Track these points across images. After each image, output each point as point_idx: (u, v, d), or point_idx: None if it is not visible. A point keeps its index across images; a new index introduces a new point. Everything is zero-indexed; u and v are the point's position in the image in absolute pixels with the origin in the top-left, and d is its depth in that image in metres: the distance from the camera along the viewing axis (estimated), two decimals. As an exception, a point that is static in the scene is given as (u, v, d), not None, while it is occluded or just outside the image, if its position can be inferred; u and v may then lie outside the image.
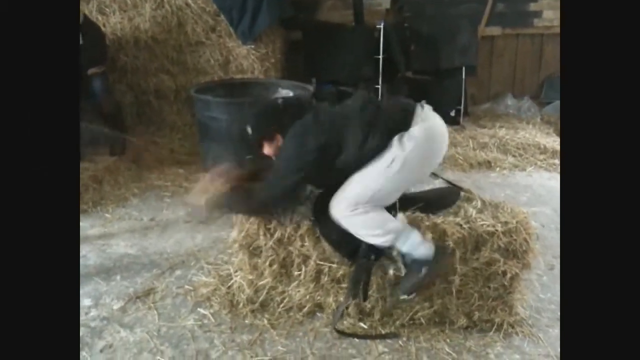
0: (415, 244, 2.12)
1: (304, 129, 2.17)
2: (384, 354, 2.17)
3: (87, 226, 3.33)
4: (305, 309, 2.36)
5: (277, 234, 2.26)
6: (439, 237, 2.18)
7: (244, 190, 2.33)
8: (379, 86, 5.01)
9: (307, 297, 2.34)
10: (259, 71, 4.72)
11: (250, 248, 2.32)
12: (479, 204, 2.35)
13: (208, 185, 2.39)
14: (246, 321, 2.36)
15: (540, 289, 2.62)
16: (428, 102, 2.23)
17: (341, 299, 2.30)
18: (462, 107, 5.35)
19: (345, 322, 2.33)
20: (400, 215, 2.21)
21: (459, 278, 2.24)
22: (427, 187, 2.62)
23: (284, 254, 2.29)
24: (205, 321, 2.37)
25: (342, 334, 2.26)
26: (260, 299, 2.39)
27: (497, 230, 2.18)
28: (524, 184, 4.09)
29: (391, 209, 2.19)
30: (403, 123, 2.11)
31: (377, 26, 4.95)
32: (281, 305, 2.38)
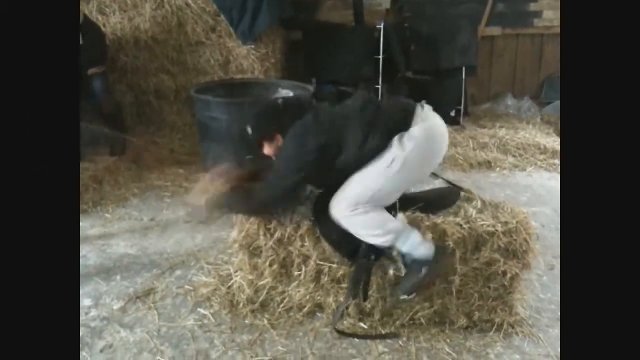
0: (415, 244, 2.12)
1: (304, 129, 2.17)
2: (384, 354, 2.17)
3: (87, 226, 3.33)
4: (305, 309, 2.36)
5: (277, 234, 2.26)
6: (439, 237, 2.18)
7: (244, 190, 2.33)
8: (379, 86, 5.01)
9: (307, 297, 2.34)
10: (259, 71, 4.72)
11: (250, 248, 2.32)
12: (479, 204, 2.35)
13: (208, 185, 2.39)
14: (246, 321, 2.36)
15: (540, 289, 2.62)
16: (428, 102, 2.23)
17: (341, 299, 2.30)
18: (462, 107, 5.35)
19: (345, 322, 2.33)
20: (400, 215, 2.21)
21: (459, 278, 2.24)
22: (427, 187, 2.63)
23: (284, 254, 2.29)
24: (205, 321, 2.37)
25: (342, 334, 2.26)
26: (260, 299, 2.39)
27: (497, 230, 2.18)
28: (524, 184, 4.09)
29: (391, 209, 2.19)
30: (403, 123, 2.11)
31: (377, 26, 4.95)
32: (281, 305, 2.38)
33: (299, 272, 2.31)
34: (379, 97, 4.92)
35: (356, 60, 5.04)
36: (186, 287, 2.64)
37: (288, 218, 2.29)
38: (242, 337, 2.26)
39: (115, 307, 2.49)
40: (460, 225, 2.18)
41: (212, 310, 2.43)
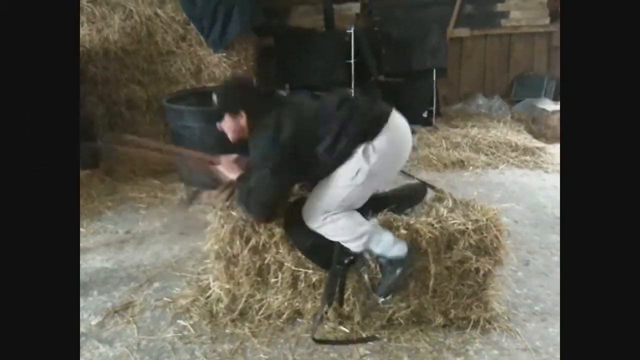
0: (389, 245, 2.14)
1: (277, 133, 2.13)
2: (366, 356, 2.19)
3: (62, 242, 3.27)
4: (285, 316, 2.36)
5: (252, 242, 2.26)
6: (412, 237, 2.21)
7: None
8: (352, 90, 5.05)
9: (286, 303, 2.35)
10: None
11: (226, 257, 2.31)
12: (450, 203, 2.38)
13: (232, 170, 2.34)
14: (227, 331, 2.35)
15: (515, 285, 2.67)
16: (400, 104, 2.26)
17: (319, 304, 2.31)
18: (434, 108, 5.43)
19: (325, 326, 2.34)
20: (372, 218, 2.24)
21: (433, 277, 2.27)
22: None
23: (259, 261, 2.30)
24: (186, 333, 2.36)
25: (321, 342, 2.25)
26: (239, 307, 2.39)
27: (467, 228, 2.21)
28: (497, 181, 4.17)
29: (364, 211, 2.22)
30: (372, 131, 2.12)
31: (348, 31, 5.00)
32: (260, 313, 2.38)
33: (276, 279, 2.31)
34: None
35: (328, 65, 5.08)
36: (165, 299, 2.62)
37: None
38: (223, 347, 2.26)
39: (93, 323, 2.45)
40: (432, 225, 2.21)
41: (192, 322, 2.42)
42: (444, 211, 2.30)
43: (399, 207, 2.30)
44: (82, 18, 4.64)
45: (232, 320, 2.38)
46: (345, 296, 2.28)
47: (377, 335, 2.29)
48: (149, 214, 3.67)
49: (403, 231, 2.19)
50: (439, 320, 2.32)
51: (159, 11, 4.62)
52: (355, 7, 5.73)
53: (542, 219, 3.46)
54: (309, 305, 2.34)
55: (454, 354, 2.20)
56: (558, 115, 5.10)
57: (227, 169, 2.36)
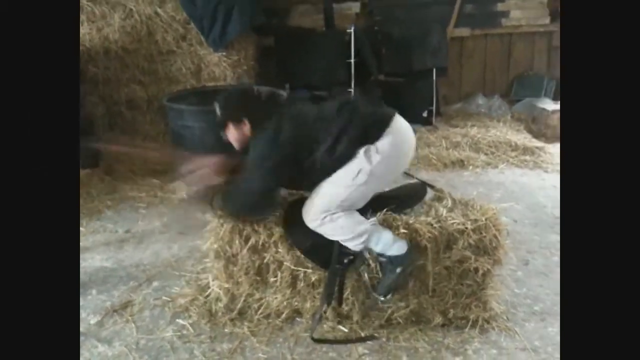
0: (388, 244, 2.15)
1: (278, 131, 2.15)
2: (365, 356, 2.19)
3: (61, 241, 3.27)
4: (284, 315, 2.36)
5: (251, 241, 2.26)
6: (411, 237, 2.21)
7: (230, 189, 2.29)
8: (352, 89, 5.06)
9: (285, 303, 2.35)
10: (231, 78, 4.71)
11: (226, 256, 2.31)
12: (450, 202, 2.38)
13: (208, 173, 2.35)
14: (226, 330, 2.35)
15: (515, 284, 2.67)
16: (401, 104, 2.27)
17: (318, 303, 2.32)
18: (434, 108, 5.43)
19: (324, 325, 2.34)
20: (371, 217, 2.24)
21: (432, 277, 2.27)
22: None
23: (259, 261, 2.30)
24: (185, 332, 2.36)
25: (320, 342, 2.25)
26: (238, 307, 2.39)
27: (467, 228, 2.22)
28: (497, 181, 4.17)
29: (364, 211, 2.22)
30: (374, 134, 2.13)
31: (348, 30, 4.99)
32: (259, 312, 2.38)
33: (275, 279, 2.32)
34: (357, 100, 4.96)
35: (328, 64, 5.08)
36: (164, 298, 2.62)
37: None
38: (222, 346, 2.26)
39: (92, 322, 2.46)
40: (431, 225, 2.22)
41: (191, 321, 2.42)
42: (443, 211, 2.30)
43: (399, 207, 2.30)
44: (82, 17, 4.64)
45: (231, 320, 2.38)
46: (345, 296, 2.29)
47: (376, 335, 2.29)
48: (148, 213, 3.68)
49: (402, 231, 2.19)
50: (438, 319, 2.32)
51: (159, 10, 4.63)
52: (356, 7, 5.73)
53: (542, 218, 3.46)
54: (308, 305, 2.35)
55: (453, 353, 2.20)
56: (558, 115, 5.10)
57: (214, 170, 2.37)
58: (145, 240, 3.29)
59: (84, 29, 4.64)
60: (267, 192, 2.25)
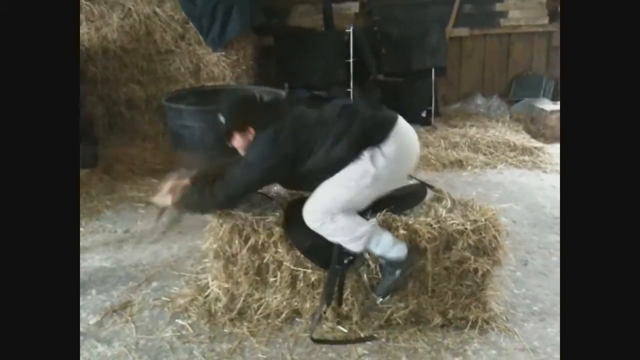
0: (388, 246, 2.15)
1: (279, 131, 2.17)
2: (364, 356, 2.19)
3: (60, 241, 3.27)
4: (283, 315, 2.36)
5: (251, 241, 2.26)
6: (410, 238, 2.21)
7: (202, 186, 2.31)
8: (351, 89, 5.06)
9: (284, 303, 2.35)
10: (230, 78, 4.71)
11: (225, 256, 2.31)
12: (449, 203, 2.39)
13: (175, 185, 2.37)
14: (225, 330, 2.35)
15: (514, 285, 2.67)
16: (399, 104, 2.27)
17: (318, 304, 2.32)
18: (433, 108, 5.43)
19: (324, 326, 2.34)
20: (371, 218, 2.24)
21: (431, 277, 2.27)
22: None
23: (258, 261, 2.30)
24: (184, 332, 2.36)
25: (320, 342, 2.25)
26: (238, 307, 2.39)
27: (466, 228, 2.22)
28: (496, 181, 4.17)
29: (364, 212, 2.22)
30: (378, 137, 2.13)
31: (347, 30, 4.99)
32: (258, 312, 2.38)
33: (275, 279, 2.32)
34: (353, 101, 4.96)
35: (328, 64, 5.08)
36: (163, 298, 2.62)
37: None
38: (222, 347, 2.26)
39: (91, 322, 2.45)
40: (431, 225, 2.22)
41: (190, 321, 2.42)
42: (442, 211, 2.30)
43: (399, 208, 2.30)
44: (81, 17, 4.64)
45: (231, 320, 2.38)
46: (344, 296, 2.29)
47: (375, 335, 2.29)
48: (147, 213, 3.66)
49: (402, 231, 2.20)
50: (438, 320, 2.33)
51: (158, 10, 4.63)
52: (355, 7, 5.73)
53: (541, 219, 3.47)
54: (307, 305, 2.34)
55: (452, 354, 2.21)
56: (557, 115, 5.11)
57: (167, 191, 2.39)
58: (145, 240, 3.28)
59: (82, 29, 4.64)
60: (251, 189, 2.30)
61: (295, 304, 2.36)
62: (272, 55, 5.32)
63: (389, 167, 2.12)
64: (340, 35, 5.06)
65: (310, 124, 2.21)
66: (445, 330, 2.33)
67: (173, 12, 4.64)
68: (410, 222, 2.23)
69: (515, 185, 4.07)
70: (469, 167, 4.44)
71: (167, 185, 2.39)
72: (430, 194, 2.44)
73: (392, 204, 2.27)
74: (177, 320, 2.44)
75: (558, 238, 3.07)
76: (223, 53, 4.67)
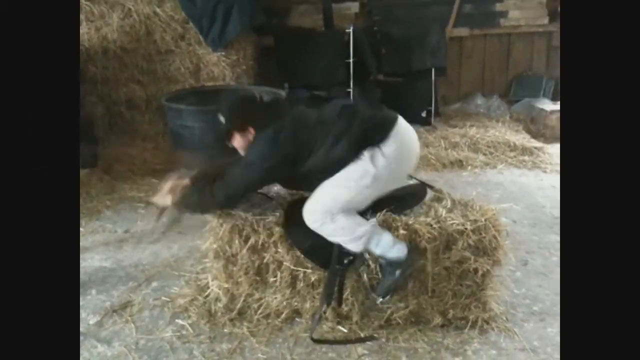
0: (388, 246, 2.15)
1: (279, 131, 2.17)
2: (364, 356, 2.19)
3: (60, 241, 3.27)
4: (283, 315, 2.36)
5: (251, 241, 2.26)
6: (410, 238, 2.21)
7: (202, 186, 2.31)
8: (351, 89, 5.06)
9: (284, 303, 2.35)
10: (230, 78, 4.71)
11: (225, 256, 2.31)
12: (449, 203, 2.38)
13: (174, 185, 2.37)
14: (225, 330, 2.35)
15: (514, 285, 2.67)
16: (400, 104, 2.27)
17: (318, 304, 2.32)
18: (433, 108, 5.43)
19: (324, 326, 2.34)
20: (371, 218, 2.24)
21: (432, 277, 2.27)
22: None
23: (258, 261, 2.30)
24: (184, 332, 2.36)
25: (319, 342, 2.25)
26: (238, 307, 2.39)
27: (466, 228, 2.22)
28: (496, 181, 4.17)
29: (364, 212, 2.22)
30: (378, 137, 2.13)
31: (347, 30, 4.99)
32: (258, 312, 2.38)
33: (275, 279, 2.32)
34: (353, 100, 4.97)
35: (328, 64, 5.08)
36: (163, 298, 2.62)
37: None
38: (222, 347, 2.26)
39: (91, 322, 2.45)
40: (431, 225, 2.22)
41: (190, 321, 2.42)
42: (442, 211, 2.30)
43: (399, 208, 2.30)
44: (81, 17, 4.63)
45: (231, 320, 2.38)
46: (344, 296, 2.29)
47: (375, 335, 2.29)
48: (147, 213, 3.66)
49: (402, 231, 2.20)
50: (438, 320, 2.33)
51: (158, 10, 4.63)
52: (355, 7, 5.73)
53: (541, 219, 3.47)
54: (307, 305, 2.34)
55: (452, 354, 2.21)
56: (557, 115, 5.11)
57: (167, 191, 2.39)
58: (145, 240, 3.28)
59: (82, 29, 4.64)
60: (251, 189, 2.30)
61: (295, 304, 2.36)
62: (272, 55, 5.32)
63: (389, 167, 2.12)
64: (340, 35, 5.06)
65: (310, 124, 2.21)
66: (445, 330, 2.33)
67: (173, 12, 4.64)
68: (410, 222, 2.23)
69: (515, 185, 4.07)
70: (469, 167, 4.44)
71: (167, 185, 2.39)
72: (430, 194, 2.44)
73: (392, 204, 2.27)
74: (177, 320, 2.44)
75: (558, 238, 3.08)
76: (223, 53, 4.67)
